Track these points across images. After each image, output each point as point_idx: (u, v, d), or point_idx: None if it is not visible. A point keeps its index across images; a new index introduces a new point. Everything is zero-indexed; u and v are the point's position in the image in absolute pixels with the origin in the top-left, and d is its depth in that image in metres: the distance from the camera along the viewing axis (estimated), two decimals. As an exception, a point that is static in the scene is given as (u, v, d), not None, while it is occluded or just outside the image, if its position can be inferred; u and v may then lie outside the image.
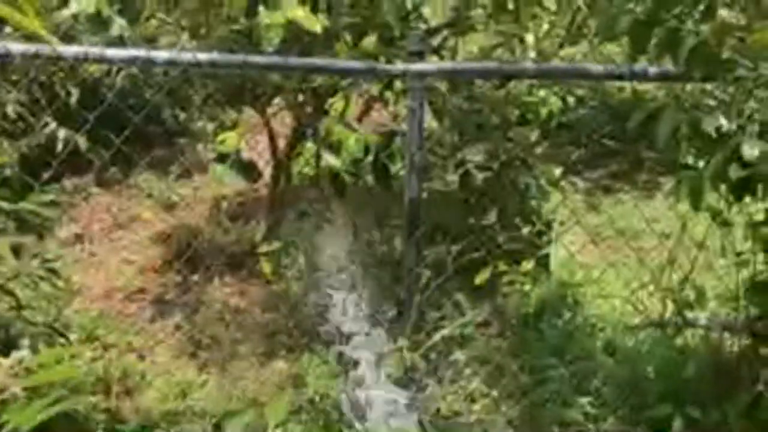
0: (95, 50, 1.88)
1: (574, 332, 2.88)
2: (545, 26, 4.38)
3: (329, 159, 2.27)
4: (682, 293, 2.46)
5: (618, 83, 4.44)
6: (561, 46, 4.63)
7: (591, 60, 4.30)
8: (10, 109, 3.82)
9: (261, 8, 1.99)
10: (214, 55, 1.99)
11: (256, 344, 3.01)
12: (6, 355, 1.68)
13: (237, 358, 2.93)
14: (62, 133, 3.89)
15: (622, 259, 3.20)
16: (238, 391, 2.70)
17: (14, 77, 4.02)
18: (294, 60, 1.96)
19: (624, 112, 4.40)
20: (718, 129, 1.36)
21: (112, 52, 1.88)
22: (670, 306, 2.49)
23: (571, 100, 4.29)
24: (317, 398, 2.54)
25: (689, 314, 2.43)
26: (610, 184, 4.55)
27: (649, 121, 1.46)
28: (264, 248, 2.87)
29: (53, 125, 3.90)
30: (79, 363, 2.56)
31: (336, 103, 2.24)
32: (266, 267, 2.55)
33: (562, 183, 3.53)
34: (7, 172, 3.19)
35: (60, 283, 2.19)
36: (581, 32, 4.87)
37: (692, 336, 2.47)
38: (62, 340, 2.02)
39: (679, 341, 2.46)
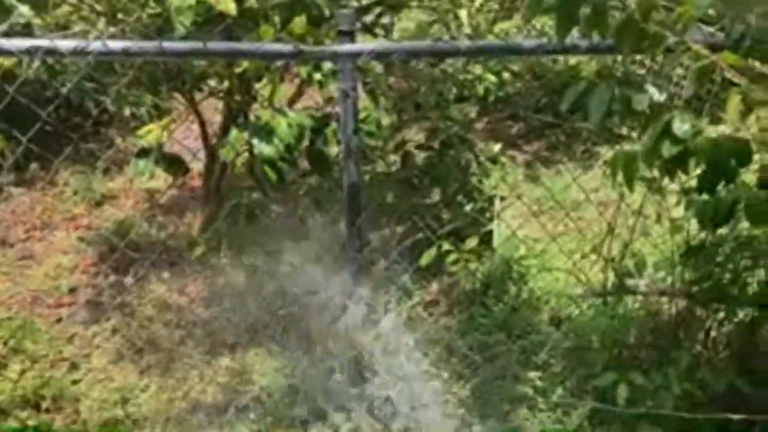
0: (-10, 41, 1.70)
1: (521, 307, 2.90)
2: (478, 1, 4.35)
3: (260, 146, 2.17)
4: (622, 262, 2.50)
5: (552, 57, 4.46)
6: (495, 21, 4.62)
7: (525, 35, 4.30)
8: None
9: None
10: (127, 43, 1.85)
11: (199, 342, 2.90)
12: None
13: (180, 359, 2.82)
14: (-29, 131, 3.60)
15: (563, 231, 3.24)
16: (182, 392, 2.59)
17: None
18: (215, 45, 1.84)
19: (559, 86, 4.46)
20: (649, 103, 1.37)
21: (10, 43, 1.72)
22: (611, 275, 2.54)
23: (506, 75, 4.30)
24: (264, 395, 2.47)
25: (629, 282, 2.48)
26: (550, 156, 4.61)
27: (583, 97, 1.45)
28: (201, 242, 2.75)
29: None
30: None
31: (263, 88, 2.13)
32: (202, 260, 2.44)
33: (502, 158, 3.54)
34: None
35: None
36: (514, 6, 4.88)
37: (633, 303, 2.53)
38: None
39: (620, 309, 2.50)
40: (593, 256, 2.75)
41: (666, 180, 2.00)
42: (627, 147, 1.41)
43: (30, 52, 1.75)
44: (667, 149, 1.25)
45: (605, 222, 2.63)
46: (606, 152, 4.38)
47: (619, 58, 2.16)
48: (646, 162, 1.33)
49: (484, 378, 2.52)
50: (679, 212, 2.27)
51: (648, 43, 1.29)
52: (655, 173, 1.73)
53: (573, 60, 4.52)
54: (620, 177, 1.49)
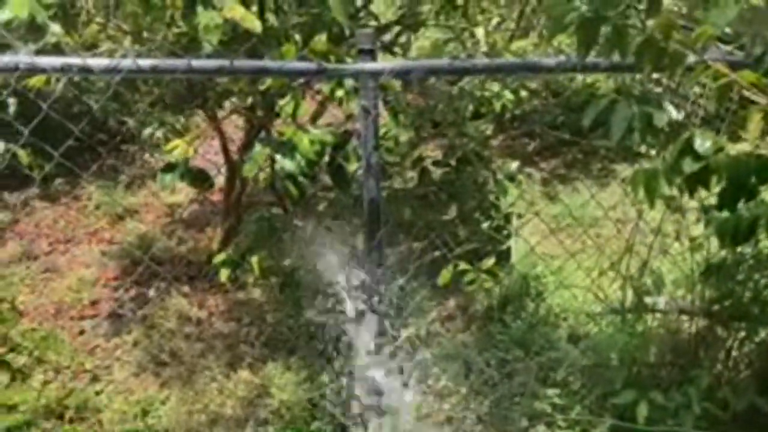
0: (26, 59, 1.76)
1: (538, 323, 2.90)
2: (495, 20, 4.40)
3: (282, 162, 2.20)
4: (641, 279, 2.50)
5: (570, 75, 4.48)
6: (512, 38, 4.66)
7: (541, 53, 4.33)
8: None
9: (199, 8, 1.91)
10: (156, 61, 1.90)
11: (219, 356, 2.93)
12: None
13: (200, 372, 2.85)
14: (0, 146, 3.70)
15: (581, 248, 3.23)
16: (201, 405, 2.62)
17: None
18: (240, 62, 1.89)
19: (576, 103, 4.48)
20: (668, 121, 1.38)
21: (44, 61, 1.78)
22: (630, 292, 2.52)
23: (523, 93, 4.32)
24: (283, 409, 2.49)
25: (648, 299, 2.47)
26: (566, 174, 4.61)
27: (603, 115, 1.47)
28: (221, 256, 2.78)
29: (-10, 139, 3.71)
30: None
31: (286, 105, 2.18)
32: (223, 275, 2.47)
33: (519, 175, 3.55)
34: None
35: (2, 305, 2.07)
36: (530, 24, 4.93)
37: (652, 321, 2.51)
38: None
39: (639, 327, 2.49)
40: (611, 274, 2.74)
41: (685, 198, 2.00)
42: (646, 164, 1.42)
43: (63, 69, 1.81)
44: (689, 166, 1.27)
45: (623, 239, 2.63)
46: (623, 170, 4.37)
47: (638, 76, 2.18)
48: (668, 179, 1.34)
49: (503, 395, 2.51)
50: (698, 230, 2.27)
51: (668, 62, 1.31)
52: (674, 191, 1.74)
53: (590, 78, 4.54)
54: (641, 194, 1.50)
